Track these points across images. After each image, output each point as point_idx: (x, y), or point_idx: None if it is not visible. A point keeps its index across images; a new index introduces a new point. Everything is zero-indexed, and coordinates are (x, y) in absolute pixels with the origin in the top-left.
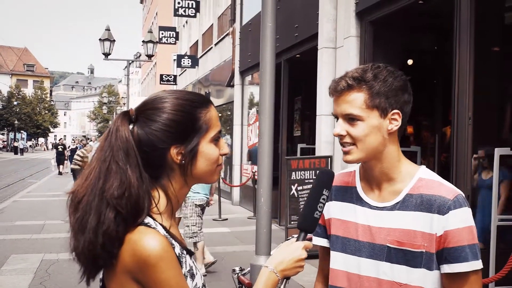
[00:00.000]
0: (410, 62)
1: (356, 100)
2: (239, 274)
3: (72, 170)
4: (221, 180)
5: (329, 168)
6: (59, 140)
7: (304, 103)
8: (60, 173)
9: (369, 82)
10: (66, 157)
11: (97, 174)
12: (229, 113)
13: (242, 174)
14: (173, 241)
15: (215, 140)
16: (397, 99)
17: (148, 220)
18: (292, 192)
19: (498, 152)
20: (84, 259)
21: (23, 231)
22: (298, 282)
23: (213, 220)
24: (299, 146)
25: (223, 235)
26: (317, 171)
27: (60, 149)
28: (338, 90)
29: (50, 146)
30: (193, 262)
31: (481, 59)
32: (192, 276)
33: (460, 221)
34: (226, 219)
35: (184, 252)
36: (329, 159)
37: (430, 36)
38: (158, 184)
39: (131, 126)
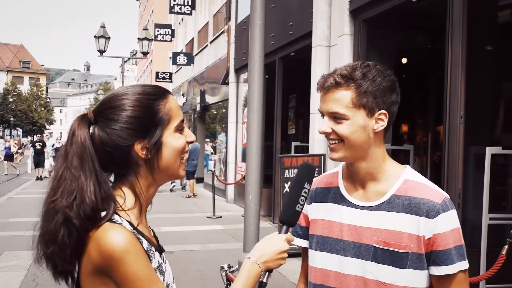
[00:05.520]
0: (404, 61)
1: (343, 99)
2: (227, 271)
3: None
4: (215, 178)
5: (322, 166)
6: (38, 136)
7: (299, 101)
8: (39, 178)
9: (358, 81)
10: (47, 157)
11: (52, 183)
12: (224, 110)
13: (237, 172)
14: (141, 237)
15: (180, 130)
16: (384, 99)
17: (114, 216)
18: (285, 190)
19: (489, 151)
20: (48, 266)
21: (17, 228)
22: (290, 280)
23: (207, 217)
24: (293, 144)
25: (217, 233)
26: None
27: (38, 147)
28: (325, 87)
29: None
30: (163, 259)
31: (473, 58)
32: (162, 273)
33: (448, 224)
34: (220, 216)
35: (153, 248)
36: (322, 157)
37: (423, 35)
38: (125, 182)
39: (91, 129)
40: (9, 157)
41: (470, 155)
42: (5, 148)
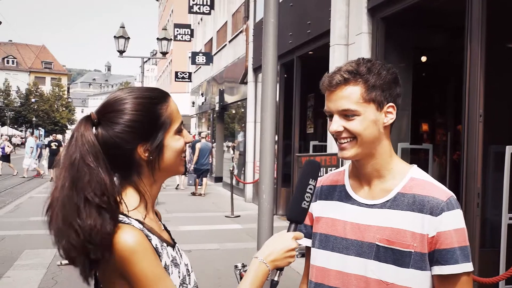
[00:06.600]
0: (423, 59)
1: (353, 95)
2: (241, 270)
3: None
4: (234, 177)
5: (340, 165)
6: (53, 135)
7: (317, 100)
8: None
9: (365, 76)
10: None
11: (68, 178)
12: (243, 110)
13: (255, 171)
14: (150, 234)
15: (179, 131)
16: (391, 92)
17: (121, 217)
18: None
19: (509, 150)
20: (74, 257)
21: (38, 227)
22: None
23: (226, 217)
24: (312, 143)
25: (235, 232)
26: (329, 169)
27: (54, 147)
28: (333, 85)
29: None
30: (176, 252)
31: (492, 56)
32: (176, 266)
33: (453, 223)
34: (239, 216)
35: (164, 244)
36: None
37: (442, 33)
38: (128, 182)
39: (94, 130)
40: (4, 157)
41: (489, 154)
42: (0, 148)
